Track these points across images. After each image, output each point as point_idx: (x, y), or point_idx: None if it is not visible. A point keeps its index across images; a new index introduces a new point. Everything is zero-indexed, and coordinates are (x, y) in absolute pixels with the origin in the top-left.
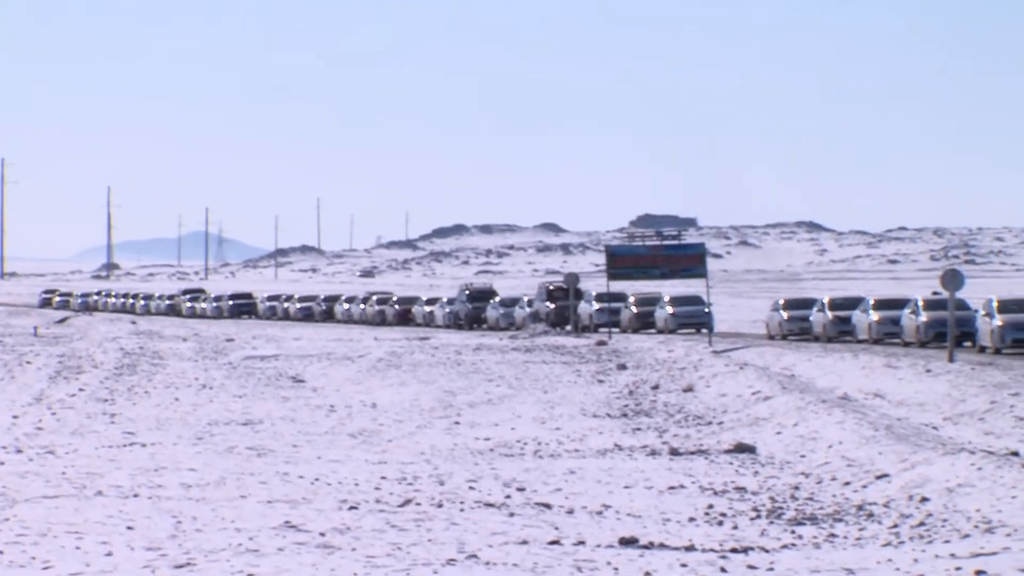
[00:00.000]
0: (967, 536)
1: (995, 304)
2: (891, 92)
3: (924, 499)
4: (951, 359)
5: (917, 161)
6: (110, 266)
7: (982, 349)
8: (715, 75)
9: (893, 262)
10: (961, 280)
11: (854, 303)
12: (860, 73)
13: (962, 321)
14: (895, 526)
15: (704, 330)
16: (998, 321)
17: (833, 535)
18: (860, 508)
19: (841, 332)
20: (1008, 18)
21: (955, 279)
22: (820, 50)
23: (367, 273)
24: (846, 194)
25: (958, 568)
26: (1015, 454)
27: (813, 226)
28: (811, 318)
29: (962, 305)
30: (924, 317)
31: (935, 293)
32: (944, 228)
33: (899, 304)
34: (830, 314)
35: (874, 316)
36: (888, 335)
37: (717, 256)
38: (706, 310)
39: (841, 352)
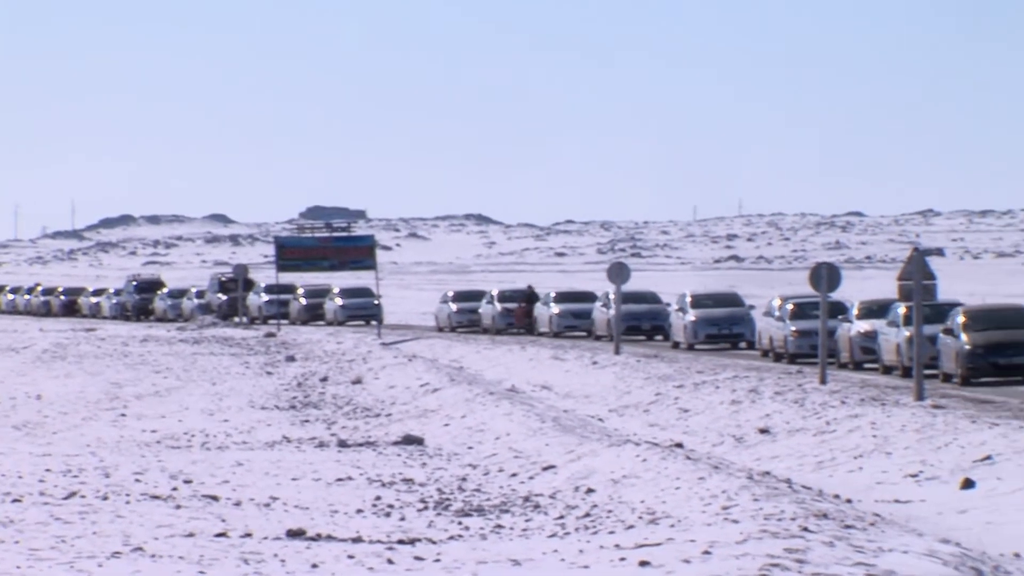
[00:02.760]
0: (632, 527)
1: (688, 299)
2: (560, 88)
3: (590, 490)
4: (617, 351)
5: (582, 155)
6: None
7: (676, 344)
8: (388, 67)
9: (561, 255)
10: (627, 273)
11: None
12: (527, 69)
13: (655, 315)
14: (561, 517)
15: (373, 322)
16: (691, 316)
17: (500, 526)
18: (527, 499)
19: (511, 324)
20: (668, 25)
21: (621, 272)
22: (486, 47)
23: None
24: (514, 187)
25: (623, 559)
26: (679, 445)
27: (482, 219)
28: (480, 310)
29: (655, 299)
30: (615, 310)
31: (528, 286)
32: (611, 221)
33: (581, 297)
34: (499, 306)
35: (555, 309)
36: (569, 328)
37: (387, 248)
38: (375, 302)
39: (509, 344)
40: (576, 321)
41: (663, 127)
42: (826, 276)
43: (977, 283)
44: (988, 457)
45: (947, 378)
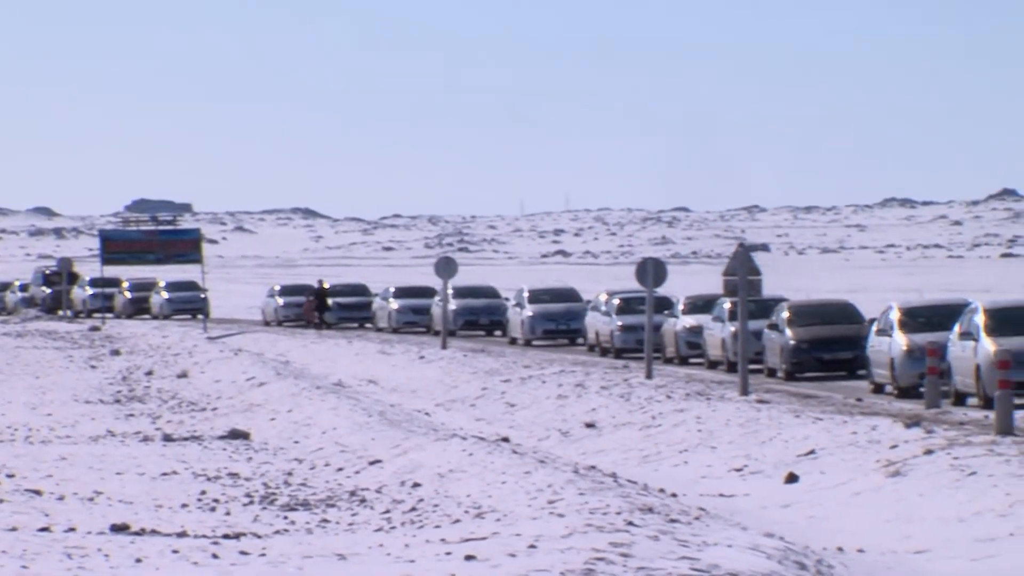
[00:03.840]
0: (458, 521)
1: (526, 294)
2: (386, 81)
3: (416, 485)
4: (444, 346)
5: (410, 149)
6: None
7: (513, 340)
8: (212, 59)
9: (388, 249)
10: (454, 268)
11: (357, 290)
12: (352, 61)
13: (493, 310)
14: (387, 511)
15: (200, 316)
16: (529, 312)
17: (326, 521)
18: (353, 494)
19: (342, 319)
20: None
21: (448, 267)
22: (309, 38)
23: None
24: (341, 181)
25: (448, 553)
26: (505, 440)
27: (309, 212)
28: None
29: (493, 293)
30: (454, 305)
31: (319, 281)
32: (439, 216)
33: (420, 292)
34: (330, 301)
35: (394, 305)
36: (409, 324)
37: (213, 242)
38: (202, 296)
39: (336, 338)
40: (415, 317)
41: (489, 121)
42: (652, 271)
43: (802, 278)
44: (812, 452)
45: (772, 373)
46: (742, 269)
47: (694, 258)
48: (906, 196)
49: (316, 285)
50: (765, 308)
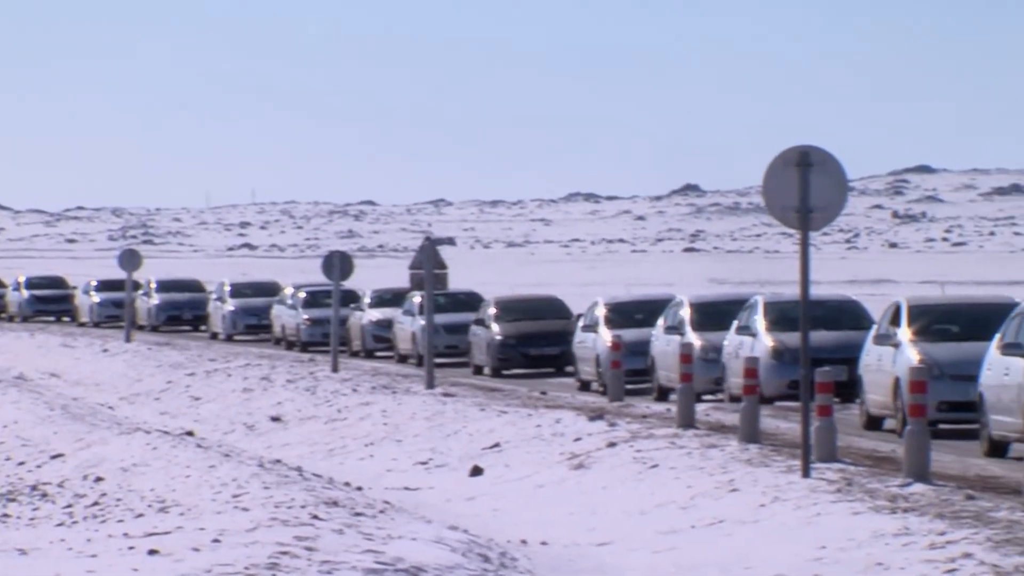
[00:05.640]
0: (142, 515)
1: (227, 288)
2: (67, 71)
3: (99, 479)
4: (129, 339)
5: (93, 139)
6: None
7: (215, 335)
8: None
9: (72, 241)
10: (139, 260)
11: (54, 283)
12: (35, 49)
13: (197, 304)
14: (70, 506)
15: None
16: (230, 306)
17: (6, 515)
18: (34, 488)
19: (39, 312)
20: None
21: (132, 259)
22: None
23: None
24: (23, 171)
25: (131, 547)
26: (190, 434)
27: None
28: (8, 298)
29: (198, 287)
30: (156, 299)
31: None
32: (122, 208)
33: (122, 286)
34: (26, 293)
35: (95, 298)
36: (111, 318)
37: None
38: None
39: (18, 331)
40: (117, 311)
41: (173, 111)
42: (339, 264)
43: (488, 272)
44: (497, 445)
45: (479, 370)
46: (428, 263)
47: (381, 251)
48: (590, 191)
49: None
50: (456, 302)
